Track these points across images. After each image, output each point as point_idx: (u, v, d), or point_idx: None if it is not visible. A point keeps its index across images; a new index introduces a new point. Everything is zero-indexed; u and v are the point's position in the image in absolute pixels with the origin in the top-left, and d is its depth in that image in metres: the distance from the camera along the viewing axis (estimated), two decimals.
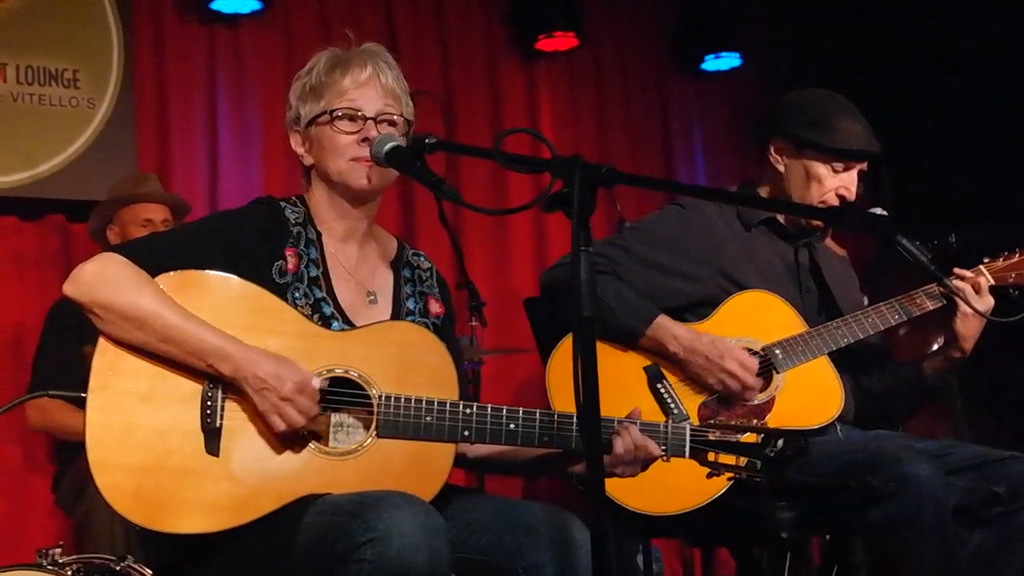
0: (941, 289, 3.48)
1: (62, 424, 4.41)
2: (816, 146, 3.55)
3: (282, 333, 2.59)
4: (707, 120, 6.98)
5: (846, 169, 3.57)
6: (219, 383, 2.52)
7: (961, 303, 3.44)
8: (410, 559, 2.27)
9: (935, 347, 3.56)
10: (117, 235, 4.61)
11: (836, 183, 3.57)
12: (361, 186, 2.74)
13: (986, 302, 3.44)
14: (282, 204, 2.79)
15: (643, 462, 2.71)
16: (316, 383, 2.52)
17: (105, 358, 2.52)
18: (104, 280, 2.52)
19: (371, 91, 2.76)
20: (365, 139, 2.71)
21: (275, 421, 2.50)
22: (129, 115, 5.37)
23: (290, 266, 2.70)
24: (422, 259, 2.98)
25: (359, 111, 2.73)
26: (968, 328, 3.46)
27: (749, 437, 2.68)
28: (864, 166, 3.60)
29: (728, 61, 6.71)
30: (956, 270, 3.46)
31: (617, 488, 3.16)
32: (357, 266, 2.83)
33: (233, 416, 2.53)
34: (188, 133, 5.63)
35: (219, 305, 2.57)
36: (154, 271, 2.55)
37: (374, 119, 2.73)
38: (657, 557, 5.31)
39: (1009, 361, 5.78)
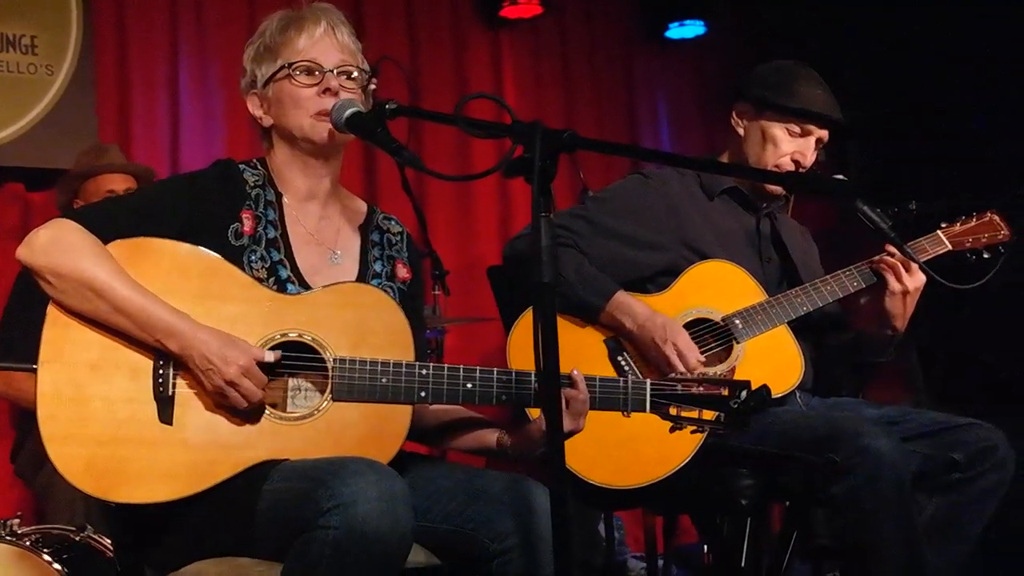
0: (872, 265, 3.51)
1: (26, 393, 4.36)
2: (774, 106, 3.57)
3: (235, 299, 2.57)
4: (672, 88, 6.96)
5: (803, 134, 3.59)
6: (170, 356, 2.51)
7: (890, 280, 3.46)
8: (375, 525, 2.27)
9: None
10: None
11: (792, 147, 3.58)
12: (323, 139, 2.72)
13: (916, 280, 3.46)
14: (241, 167, 2.78)
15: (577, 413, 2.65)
16: (268, 357, 2.50)
17: (55, 329, 2.51)
18: (58, 247, 2.50)
19: (327, 45, 2.75)
20: (326, 90, 2.71)
21: (219, 402, 2.50)
22: (89, 81, 5.30)
23: (246, 228, 2.68)
24: (393, 223, 2.96)
25: (317, 64, 2.72)
26: (896, 306, 3.48)
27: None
28: (823, 135, 3.61)
29: (692, 29, 6.69)
30: (886, 249, 3.48)
31: (579, 462, 3.17)
32: (319, 226, 2.81)
33: (186, 384, 2.51)
34: (150, 99, 5.56)
35: (170, 272, 2.55)
36: (107, 238, 2.54)
37: (332, 71, 2.72)
38: (619, 525, 5.35)
39: (969, 328, 5.83)
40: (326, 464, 2.39)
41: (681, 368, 3.29)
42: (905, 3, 6.20)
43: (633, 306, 3.40)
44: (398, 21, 6.19)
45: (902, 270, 3.45)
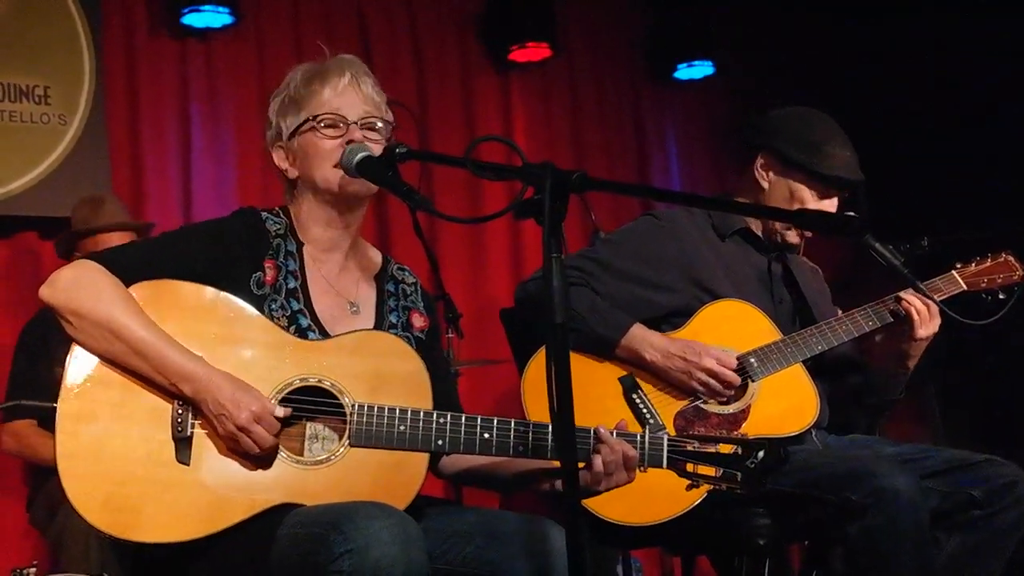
0: (888, 306, 3.50)
1: (37, 451, 4.38)
2: (805, 169, 3.55)
3: (255, 343, 2.58)
4: (681, 128, 6.98)
5: (828, 196, 3.58)
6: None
7: (916, 328, 3.45)
8: (388, 570, 2.27)
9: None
10: None
11: (816, 206, 3.56)
12: (341, 188, 2.72)
13: (935, 324, 3.45)
14: (264, 215, 2.78)
15: (626, 468, 2.65)
16: (279, 412, 2.51)
17: (77, 366, 2.52)
18: (79, 287, 2.52)
19: (352, 97, 2.76)
20: (349, 142, 2.71)
21: (232, 447, 2.50)
22: (101, 130, 5.34)
23: (268, 278, 2.69)
24: (407, 274, 2.96)
25: (342, 116, 2.73)
26: (917, 348, 3.49)
27: (728, 448, 2.65)
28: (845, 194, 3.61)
29: (701, 70, 6.72)
30: (902, 294, 3.48)
31: (593, 499, 3.15)
32: (339, 276, 2.81)
33: (204, 425, 2.52)
34: (161, 148, 5.59)
35: (191, 315, 2.56)
36: (129, 280, 2.55)
37: (357, 123, 2.73)
38: (637, 567, 5.31)
39: (987, 365, 5.80)
40: (339, 509, 2.39)
41: (729, 376, 3.32)
42: (909, 39, 6.22)
43: (650, 337, 3.40)
44: (407, 65, 6.22)
45: (928, 317, 3.44)
